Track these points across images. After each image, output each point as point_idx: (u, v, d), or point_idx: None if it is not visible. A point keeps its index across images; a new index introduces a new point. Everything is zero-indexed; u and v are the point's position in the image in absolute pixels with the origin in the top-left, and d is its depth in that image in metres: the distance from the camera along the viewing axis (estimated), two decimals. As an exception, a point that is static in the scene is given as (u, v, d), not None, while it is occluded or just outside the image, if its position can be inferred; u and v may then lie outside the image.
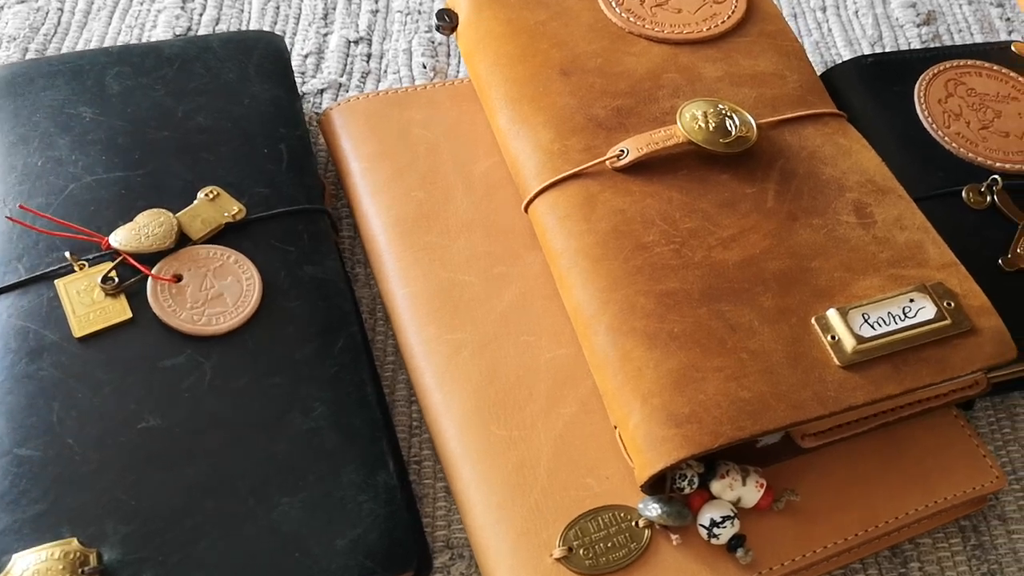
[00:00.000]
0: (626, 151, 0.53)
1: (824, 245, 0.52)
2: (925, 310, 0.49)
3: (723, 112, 0.55)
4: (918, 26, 0.76)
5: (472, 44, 0.60)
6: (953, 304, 0.49)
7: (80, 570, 0.42)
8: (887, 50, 0.74)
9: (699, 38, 0.60)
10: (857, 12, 0.76)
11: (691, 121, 0.54)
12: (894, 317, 0.49)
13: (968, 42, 0.75)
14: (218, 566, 0.43)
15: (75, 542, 0.43)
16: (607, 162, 0.54)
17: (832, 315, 0.49)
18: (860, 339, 0.48)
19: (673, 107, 0.56)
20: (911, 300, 0.49)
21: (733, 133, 0.54)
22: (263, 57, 0.59)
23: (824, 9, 0.77)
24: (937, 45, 0.74)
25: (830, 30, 0.75)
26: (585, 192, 0.53)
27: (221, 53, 0.59)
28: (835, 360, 0.47)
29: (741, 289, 0.50)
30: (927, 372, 0.48)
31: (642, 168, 0.54)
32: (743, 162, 0.54)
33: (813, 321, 0.49)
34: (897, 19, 0.76)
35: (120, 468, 0.45)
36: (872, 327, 0.48)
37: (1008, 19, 0.77)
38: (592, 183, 0.53)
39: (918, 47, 0.74)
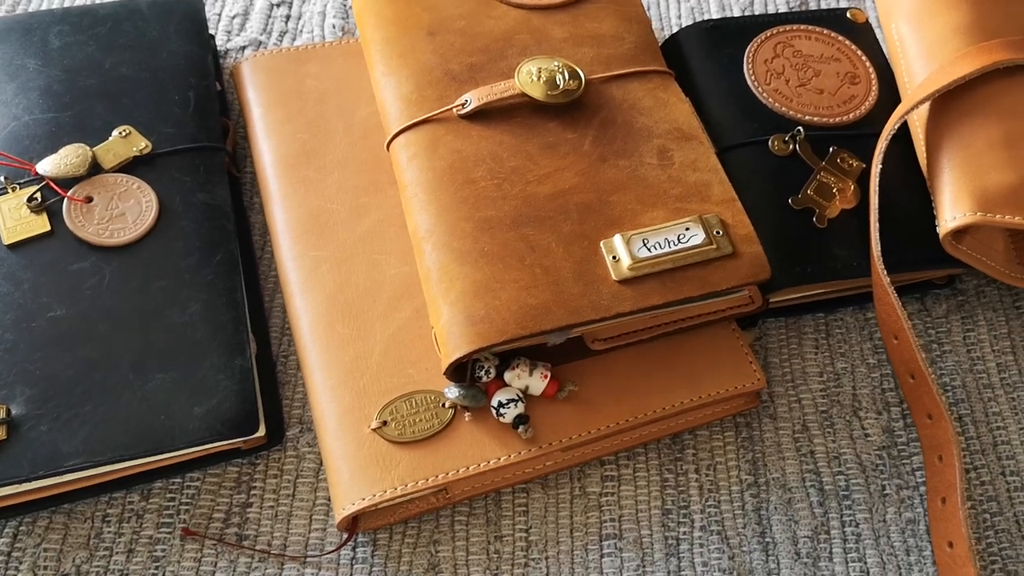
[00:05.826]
0: (469, 100, 0.63)
1: (625, 182, 0.61)
2: (696, 237, 0.59)
3: (555, 68, 0.64)
4: (790, -7, 0.84)
5: (362, 7, 0.70)
6: (722, 232, 0.59)
7: (-8, 419, 0.54)
8: (756, 15, 0.82)
9: (552, 4, 0.69)
10: (736, -20, 0.85)
11: (526, 76, 0.64)
12: (669, 242, 0.59)
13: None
14: (101, 423, 0.55)
15: (-11, 399, 0.55)
16: (454, 110, 0.64)
17: (617, 239, 0.58)
18: (636, 259, 0.57)
19: (518, 64, 0.66)
20: (687, 228, 0.59)
21: (561, 86, 0.64)
22: (182, 18, 0.70)
23: (707, -23, 0.85)
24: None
25: (708, -3, 0.84)
26: (432, 135, 0.63)
27: (147, 14, 0.70)
28: (613, 276, 0.57)
29: (546, 217, 0.60)
30: (689, 287, 0.57)
31: (483, 116, 0.63)
32: (570, 111, 0.64)
33: (601, 244, 0.58)
34: (773, -13, 0.84)
35: (30, 346, 0.57)
36: (649, 249, 0.58)
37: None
38: (439, 127, 0.63)
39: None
